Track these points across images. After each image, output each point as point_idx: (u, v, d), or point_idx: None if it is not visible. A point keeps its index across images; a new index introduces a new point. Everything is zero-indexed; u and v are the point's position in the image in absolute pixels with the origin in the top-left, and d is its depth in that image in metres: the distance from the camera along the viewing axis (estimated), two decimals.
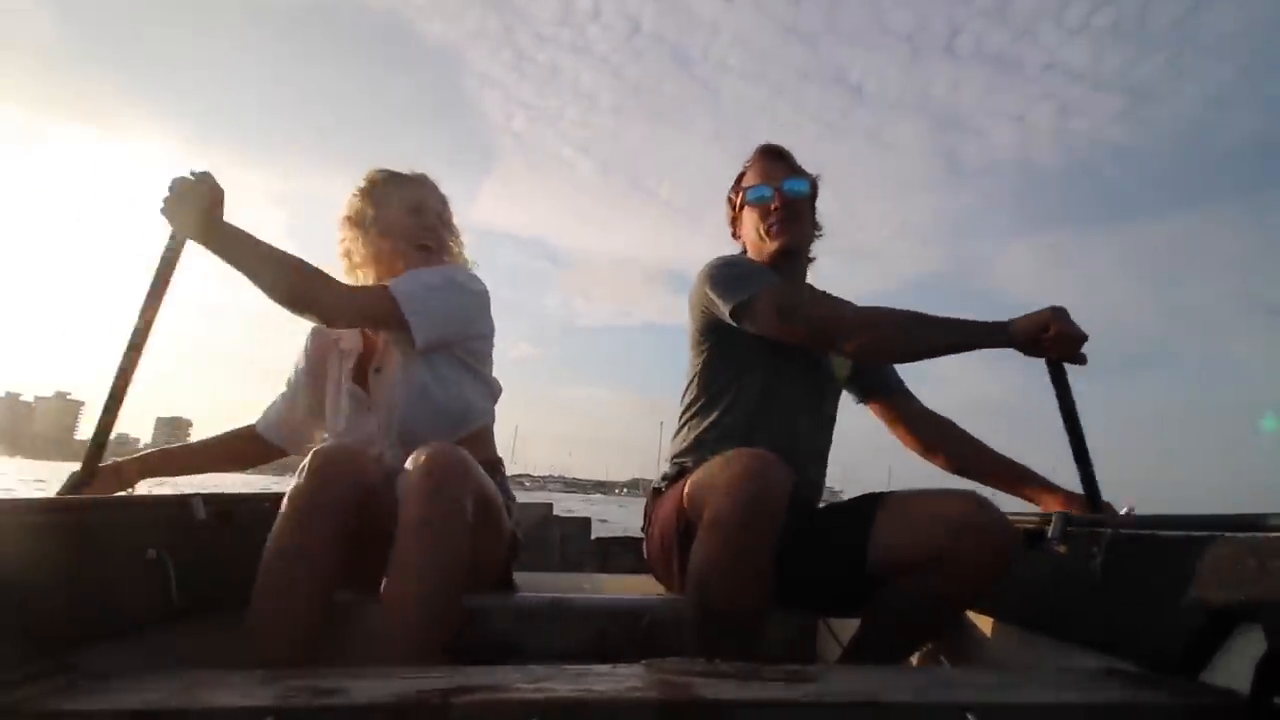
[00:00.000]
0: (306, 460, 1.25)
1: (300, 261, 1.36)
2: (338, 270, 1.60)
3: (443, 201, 1.67)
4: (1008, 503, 1.46)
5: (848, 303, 1.42)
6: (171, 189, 1.28)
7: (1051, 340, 1.25)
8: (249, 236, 1.32)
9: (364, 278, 1.60)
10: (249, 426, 1.68)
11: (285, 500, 1.22)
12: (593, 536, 3.59)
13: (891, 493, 1.35)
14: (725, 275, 1.48)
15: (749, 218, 1.61)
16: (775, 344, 1.47)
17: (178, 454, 1.65)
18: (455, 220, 1.69)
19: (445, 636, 1.14)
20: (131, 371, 1.29)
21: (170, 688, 0.78)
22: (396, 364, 1.51)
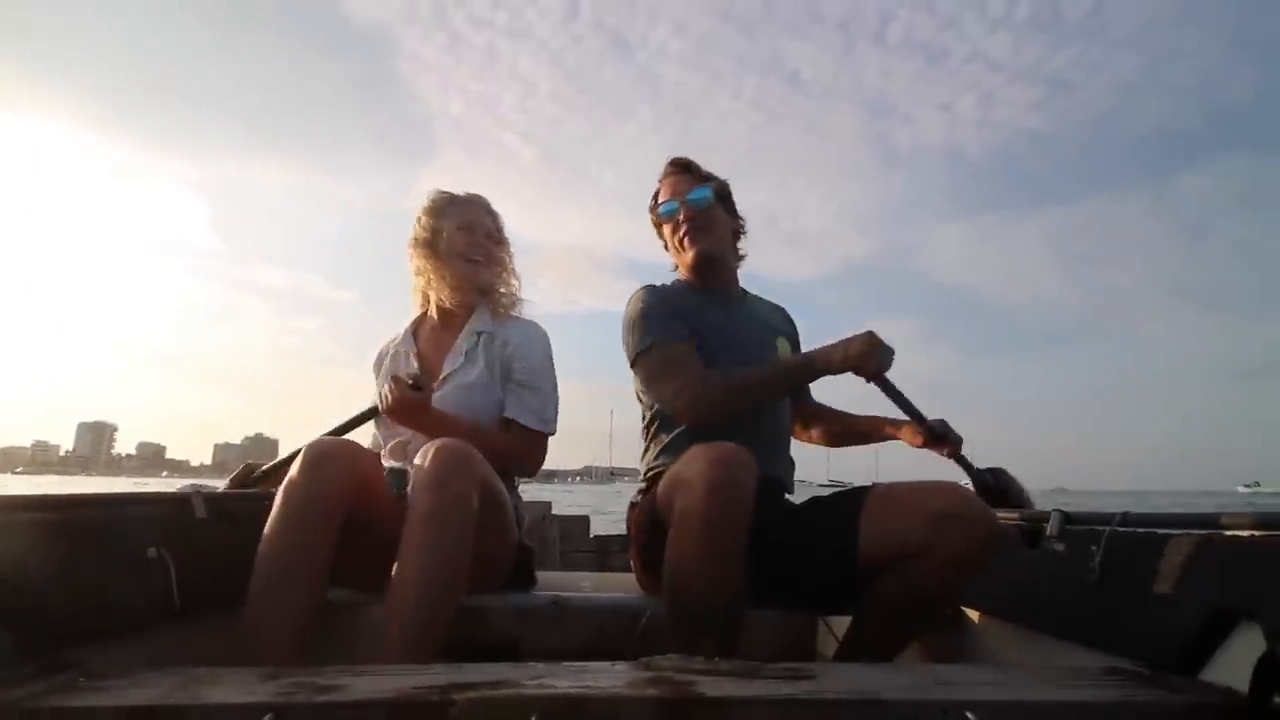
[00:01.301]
0: (301, 454, 1.27)
1: (483, 434, 1.51)
2: (406, 286, 1.80)
3: (494, 217, 1.78)
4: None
5: (694, 375, 1.48)
6: (401, 394, 1.41)
7: (861, 365, 1.40)
8: (448, 419, 1.50)
9: (429, 286, 1.73)
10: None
11: (279, 494, 1.23)
12: (591, 535, 3.59)
13: (874, 486, 1.36)
14: (633, 319, 1.57)
15: (667, 232, 1.71)
16: (723, 350, 1.54)
17: None
18: (507, 234, 1.83)
19: (449, 626, 1.16)
20: None
21: (170, 685, 0.78)
22: (464, 376, 1.62)
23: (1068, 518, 1.19)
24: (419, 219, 1.74)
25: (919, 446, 1.60)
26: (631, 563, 1.60)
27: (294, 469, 1.26)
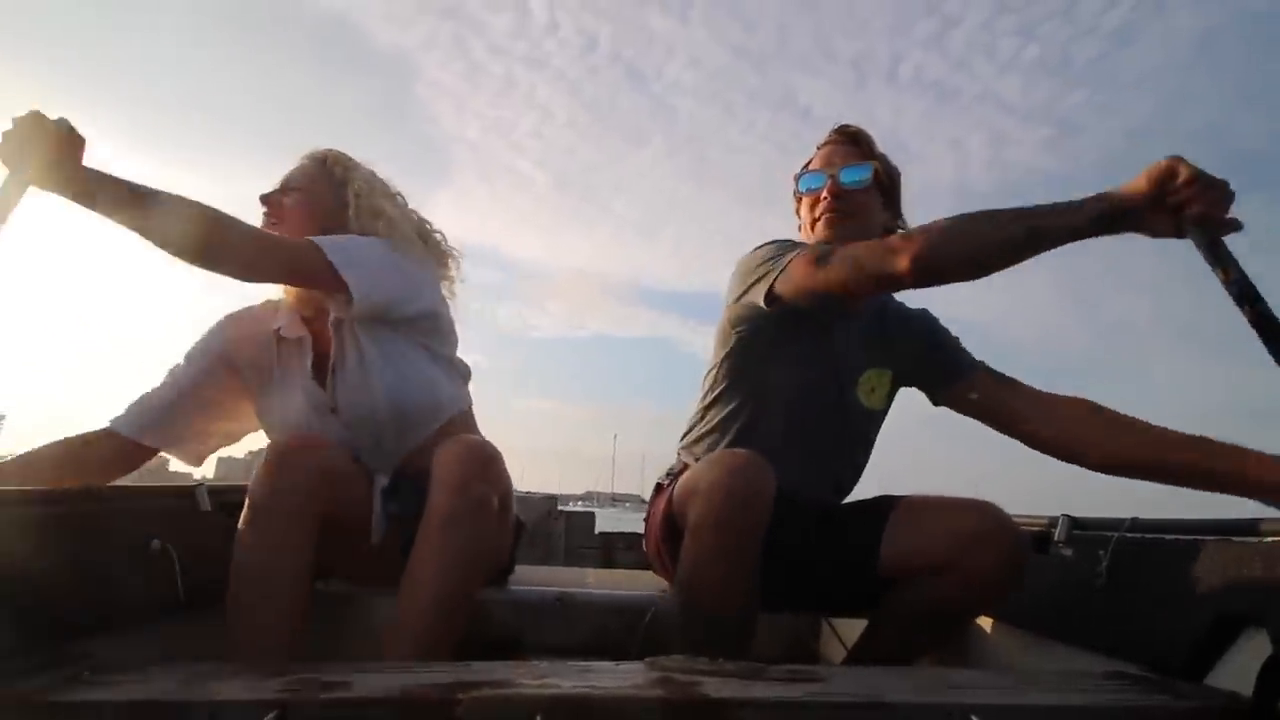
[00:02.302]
0: (264, 452, 1.20)
1: (204, 206, 1.18)
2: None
3: (301, 167, 1.50)
4: (1022, 505, 1.35)
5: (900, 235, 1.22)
6: (9, 134, 1.05)
7: (1187, 192, 0.95)
8: (126, 182, 1.11)
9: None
10: (102, 431, 1.39)
11: (249, 492, 1.16)
12: (596, 531, 3.60)
13: (905, 497, 1.31)
14: (756, 259, 1.33)
15: (804, 207, 1.45)
16: (799, 356, 1.38)
17: None
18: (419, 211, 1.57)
19: (461, 627, 1.15)
20: None
21: (175, 679, 0.78)
22: (353, 360, 1.38)
23: (1076, 523, 1.19)
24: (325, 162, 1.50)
25: None
26: (644, 541, 1.54)
27: (258, 469, 1.18)
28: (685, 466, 1.45)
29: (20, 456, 1.32)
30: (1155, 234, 1.01)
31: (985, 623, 1.36)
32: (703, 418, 1.49)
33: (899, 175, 1.45)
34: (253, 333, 1.47)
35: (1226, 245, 0.95)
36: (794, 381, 1.39)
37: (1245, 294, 0.93)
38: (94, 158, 1.09)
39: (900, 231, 1.33)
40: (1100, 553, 1.07)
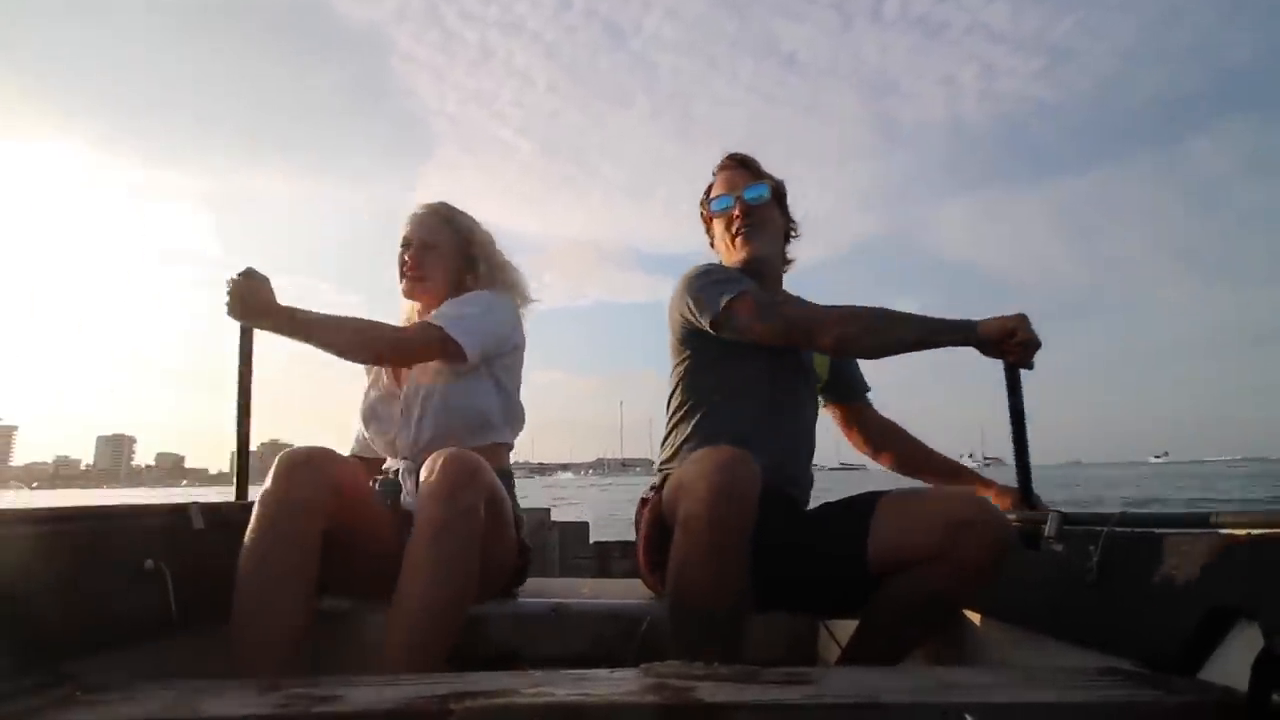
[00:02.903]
0: (274, 463, 1.23)
1: (354, 320, 1.49)
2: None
3: (425, 225, 1.72)
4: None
5: (820, 305, 1.47)
6: (230, 293, 1.41)
7: (1014, 345, 1.33)
8: (303, 311, 1.44)
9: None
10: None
11: (256, 505, 1.20)
12: (591, 541, 3.59)
13: (888, 492, 1.35)
14: (702, 285, 1.50)
15: (717, 227, 1.66)
16: (756, 348, 1.50)
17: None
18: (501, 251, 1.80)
19: (454, 638, 1.16)
20: (246, 439, 1.58)
21: (168, 698, 0.78)
22: (432, 369, 1.58)
23: (1066, 518, 1.19)
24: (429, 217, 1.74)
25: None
26: (638, 561, 1.57)
27: (268, 479, 1.22)
28: (667, 479, 1.47)
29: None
30: (987, 355, 1.37)
31: (978, 620, 1.37)
32: (674, 432, 1.57)
33: (785, 187, 1.69)
34: None
35: (1020, 381, 1.39)
36: (754, 371, 1.52)
37: (1016, 414, 1.40)
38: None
39: (833, 306, 1.51)
40: (1090, 548, 1.08)
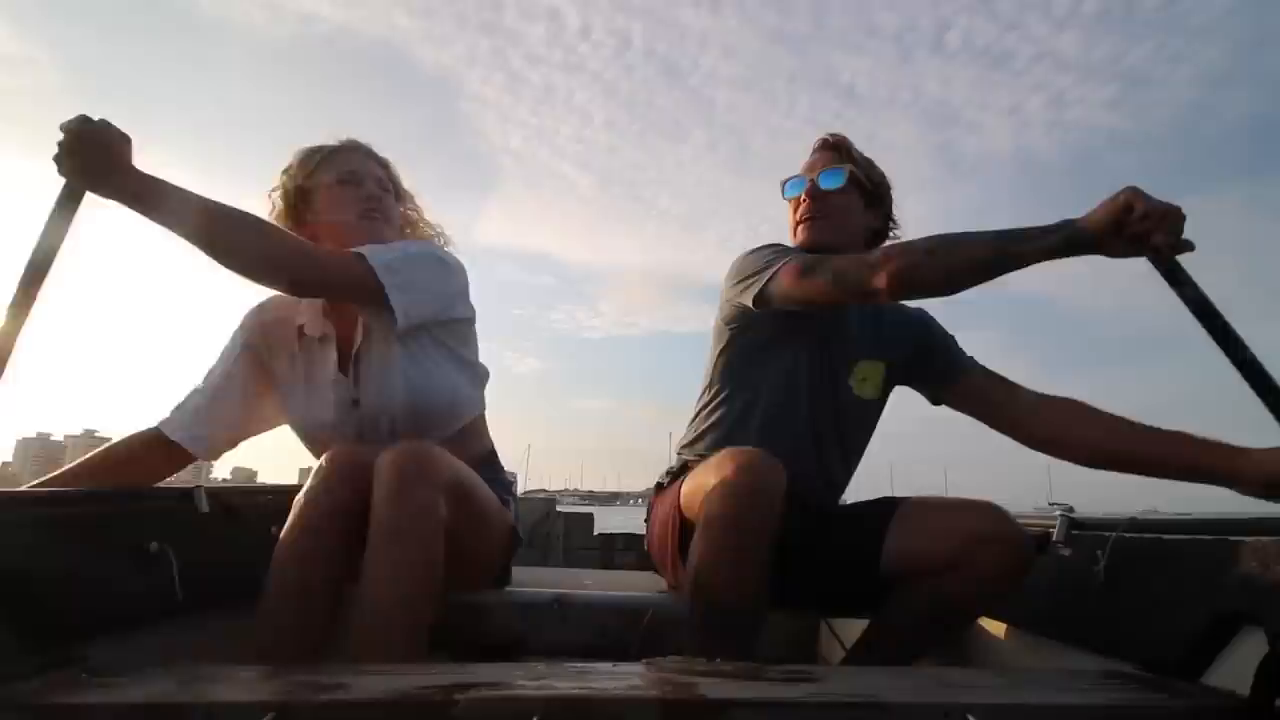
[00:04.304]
0: (322, 462, 1.21)
1: (257, 218, 1.21)
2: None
3: (383, 165, 1.48)
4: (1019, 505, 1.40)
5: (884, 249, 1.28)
6: (65, 141, 1.07)
7: (1143, 224, 1.02)
8: (176, 188, 1.12)
9: None
10: (149, 432, 1.39)
11: (299, 502, 1.18)
12: (595, 532, 3.60)
13: (908, 498, 1.33)
14: (749, 261, 1.40)
15: (790, 211, 1.53)
16: (794, 346, 1.43)
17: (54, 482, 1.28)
18: (408, 185, 1.52)
19: (417, 640, 1.09)
20: (11, 342, 1.04)
21: (173, 682, 0.78)
22: (378, 357, 1.38)
23: (1074, 523, 1.19)
24: (280, 186, 1.44)
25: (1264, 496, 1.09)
26: (646, 541, 1.56)
27: (313, 477, 1.19)
28: (685, 466, 1.46)
29: (79, 464, 1.32)
30: (1115, 256, 1.08)
31: (983, 622, 1.37)
32: (700, 416, 1.53)
33: (885, 182, 1.51)
34: (276, 322, 1.46)
35: (1182, 266, 1.03)
36: (786, 369, 1.45)
37: (1204, 310, 1.02)
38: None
39: (888, 241, 1.43)
40: (1098, 552, 1.07)
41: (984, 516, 1.20)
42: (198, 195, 1.14)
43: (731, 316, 1.46)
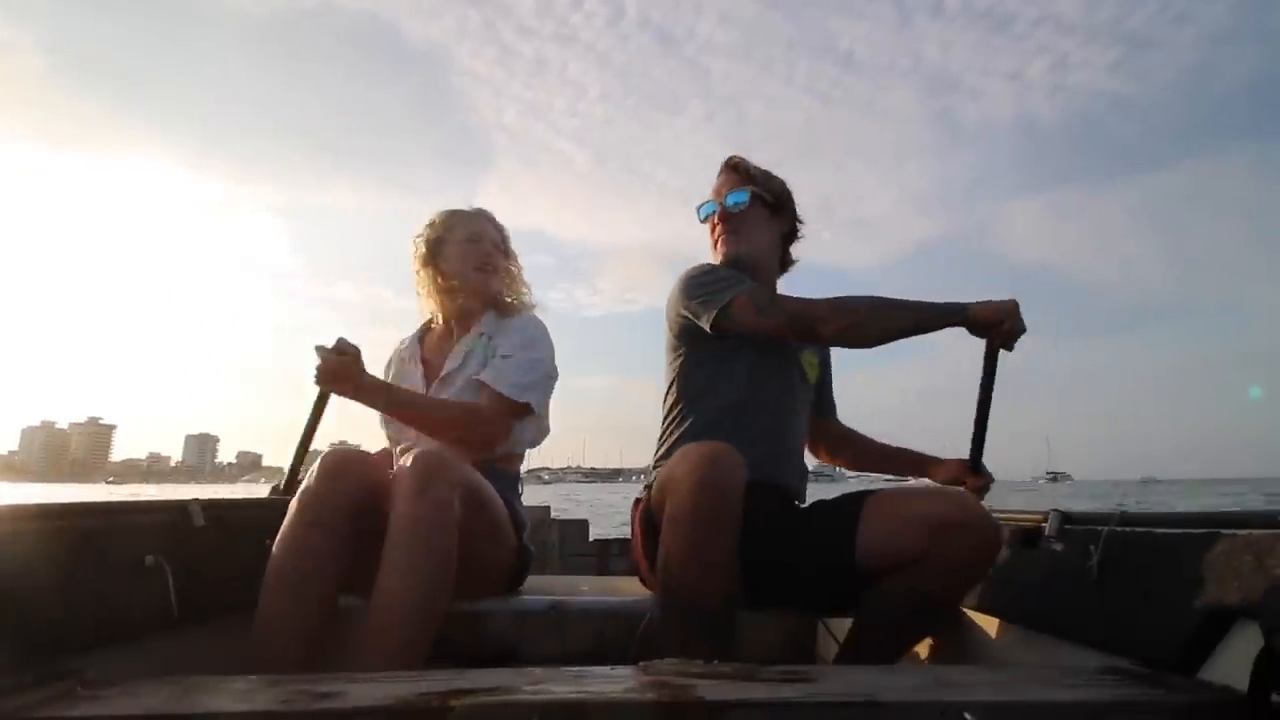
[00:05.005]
0: (317, 463, 1.29)
1: (430, 402, 1.58)
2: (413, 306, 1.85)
3: (500, 230, 1.81)
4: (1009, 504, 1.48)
5: (817, 298, 1.49)
6: (320, 365, 1.49)
7: (1002, 331, 1.39)
8: (387, 386, 1.55)
9: (436, 301, 1.76)
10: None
11: (295, 501, 1.25)
12: (591, 538, 3.59)
13: (875, 491, 1.36)
14: (701, 285, 1.52)
15: (708, 231, 1.70)
16: (751, 346, 1.51)
17: None
18: (513, 247, 1.85)
19: (432, 634, 1.17)
20: (299, 466, 1.63)
21: (168, 694, 0.78)
22: (458, 379, 1.63)
23: (1066, 517, 1.19)
24: (424, 235, 1.77)
25: (954, 484, 1.54)
26: (634, 558, 1.58)
27: (309, 479, 1.28)
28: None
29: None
30: (975, 336, 1.42)
31: (977, 618, 1.37)
32: (668, 429, 1.58)
33: (785, 190, 1.70)
34: (398, 357, 1.81)
35: (997, 362, 1.45)
36: (750, 364, 1.53)
37: (986, 383, 1.47)
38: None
39: (796, 241, 1.71)
40: (1091, 547, 1.08)
41: (948, 504, 1.24)
42: (396, 388, 1.60)
43: (682, 335, 1.59)
